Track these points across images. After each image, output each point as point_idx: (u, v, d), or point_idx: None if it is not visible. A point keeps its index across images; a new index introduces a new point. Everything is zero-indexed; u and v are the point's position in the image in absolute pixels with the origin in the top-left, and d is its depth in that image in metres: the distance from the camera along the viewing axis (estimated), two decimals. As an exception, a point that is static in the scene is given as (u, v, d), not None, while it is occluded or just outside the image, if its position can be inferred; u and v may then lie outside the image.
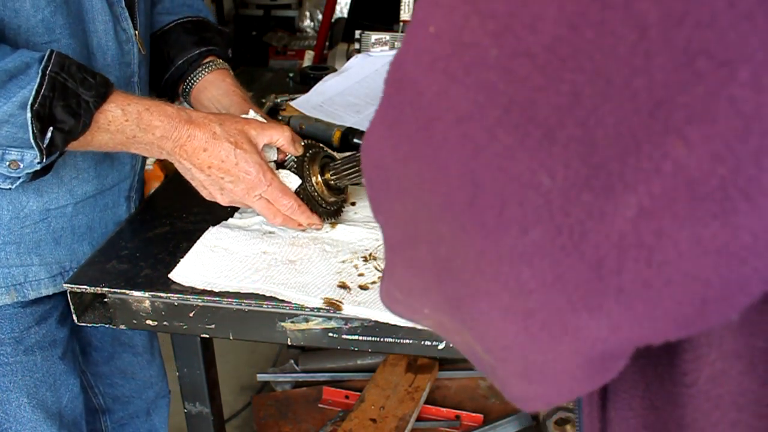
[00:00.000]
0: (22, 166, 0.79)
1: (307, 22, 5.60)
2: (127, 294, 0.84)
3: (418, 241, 0.31)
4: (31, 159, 0.78)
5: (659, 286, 0.24)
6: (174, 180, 1.18)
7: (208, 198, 0.93)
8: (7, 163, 0.78)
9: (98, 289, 0.85)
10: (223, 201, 0.92)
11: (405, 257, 0.33)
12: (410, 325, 0.78)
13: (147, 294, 0.84)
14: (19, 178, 0.81)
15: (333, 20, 3.81)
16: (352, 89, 1.56)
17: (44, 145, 0.76)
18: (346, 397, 1.82)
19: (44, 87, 0.74)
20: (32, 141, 0.75)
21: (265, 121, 0.95)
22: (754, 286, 0.24)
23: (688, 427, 0.33)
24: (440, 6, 0.27)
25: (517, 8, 0.24)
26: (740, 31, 0.21)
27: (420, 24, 0.28)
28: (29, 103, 0.73)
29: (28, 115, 0.73)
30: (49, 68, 0.75)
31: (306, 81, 1.73)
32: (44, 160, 0.78)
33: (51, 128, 0.75)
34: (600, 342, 0.26)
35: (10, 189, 0.84)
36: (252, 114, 0.99)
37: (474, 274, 0.28)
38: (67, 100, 0.76)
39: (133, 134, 0.83)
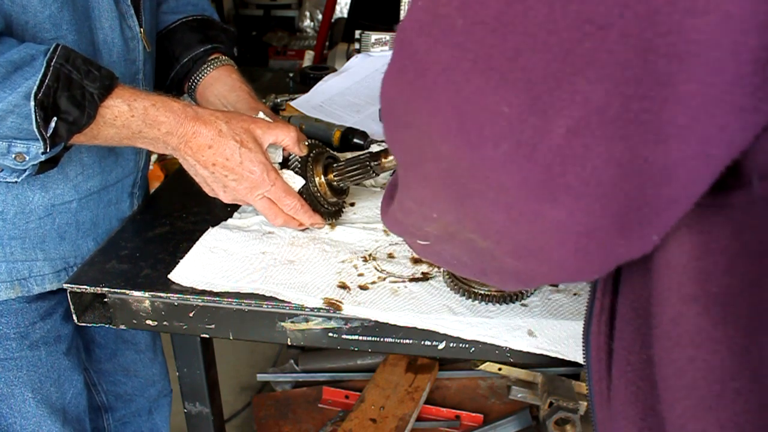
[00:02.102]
0: (27, 158, 0.79)
1: (307, 22, 5.60)
2: (127, 294, 0.84)
3: (424, 160, 0.41)
4: (37, 151, 0.78)
5: (594, 184, 0.34)
6: (174, 180, 1.19)
7: (210, 194, 0.93)
8: (13, 156, 0.79)
9: (98, 289, 0.85)
10: (226, 198, 0.92)
11: (417, 174, 0.44)
12: (410, 325, 0.78)
13: (147, 294, 0.84)
14: (26, 170, 0.81)
15: (333, 20, 3.81)
16: (352, 89, 1.56)
17: (47, 135, 0.76)
18: (346, 397, 1.82)
19: (48, 77, 0.75)
20: (35, 130, 0.75)
21: (272, 120, 0.95)
22: (662, 201, 0.34)
23: (657, 365, 0.40)
24: None
25: None
26: (607, 3, 0.30)
27: None
28: (33, 92, 0.74)
29: (32, 104, 0.74)
30: (54, 59, 0.76)
31: (306, 81, 1.73)
32: (48, 151, 0.78)
33: (55, 118, 0.76)
34: (562, 224, 0.36)
35: (16, 182, 0.84)
36: (261, 115, 0.99)
37: (468, 179, 0.38)
38: (72, 91, 0.76)
39: (139, 129, 0.83)
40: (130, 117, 0.82)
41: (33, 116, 0.74)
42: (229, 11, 5.43)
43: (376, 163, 0.92)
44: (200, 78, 1.11)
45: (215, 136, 0.85)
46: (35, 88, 0.74)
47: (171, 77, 1.12)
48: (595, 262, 0.39)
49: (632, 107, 0.31)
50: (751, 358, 0.34)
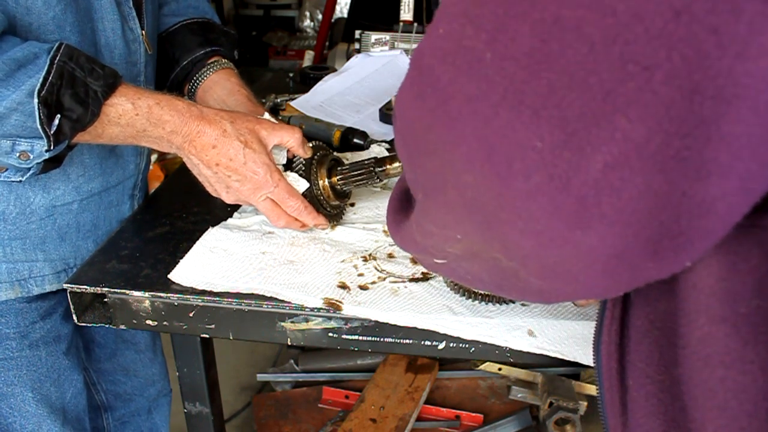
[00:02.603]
0: (32, 156, 0.79)
1: (307, 22, 5.61)
2: (127, 294, 0.84)
3: (447, 187, 0.40)
4: (41, 149, 0.78)
5: (629, 213, 0.33)
6: (174, 180, 1.19)
7: (213, 194, 0.93)
8: (18, 154, 0.79)
9: (98, 289, 0.85)
10: (228, 199, 0.92)
11: (438, 201, 0.43)
12: (410, 325, 0.78)
13: (147, 294, 0.84)
14: (30, 169, 0.81)
15: (333, 20, 3.82)
16: (352, 89, 1.56)
17: (51, 132, 0.76)
18: (346, 397, 1.82)
19: (52, 75, 0.75)
20: (39, 128, 0.75)
21: (276, 121, 0.95)
22: (698, 232, 0.34)
23: (685, 384, 0.40)
24: (446, 13, 0.37)
25: (501, 24, 0.33)
26: (653, 46, 0.30)
27: (435, 24, 0.38)
28: (36, 89, 0.74)
29: (35, 101, 0.74)
30: (57, 57, 0.76)
31: (306, 81, 1.73)
32: (52, 149, 0.78)
33: (58, 116, 0.76)
34: (594, 250, 0.35)
35: (20, 181, 0.84)
36: (266, 116, 0.99)
37: (495, 208, 0.37)
38: (75, 89, 0.77)
39: (143, 128, 0.83)
40: (135, 115, 0.82)
41: (36, 114, 0.74)
42: (229, 11, 5.44)
43: (381, 169, 0.92)
44: (200, 81, 1.11)
45: (219, 136, 0.85)
46: (39, 85, 0.74)
47: (171, 80, 1.12)
48: (623, 282, 0.38)
49: (673, 144, 0.31)
50: None
